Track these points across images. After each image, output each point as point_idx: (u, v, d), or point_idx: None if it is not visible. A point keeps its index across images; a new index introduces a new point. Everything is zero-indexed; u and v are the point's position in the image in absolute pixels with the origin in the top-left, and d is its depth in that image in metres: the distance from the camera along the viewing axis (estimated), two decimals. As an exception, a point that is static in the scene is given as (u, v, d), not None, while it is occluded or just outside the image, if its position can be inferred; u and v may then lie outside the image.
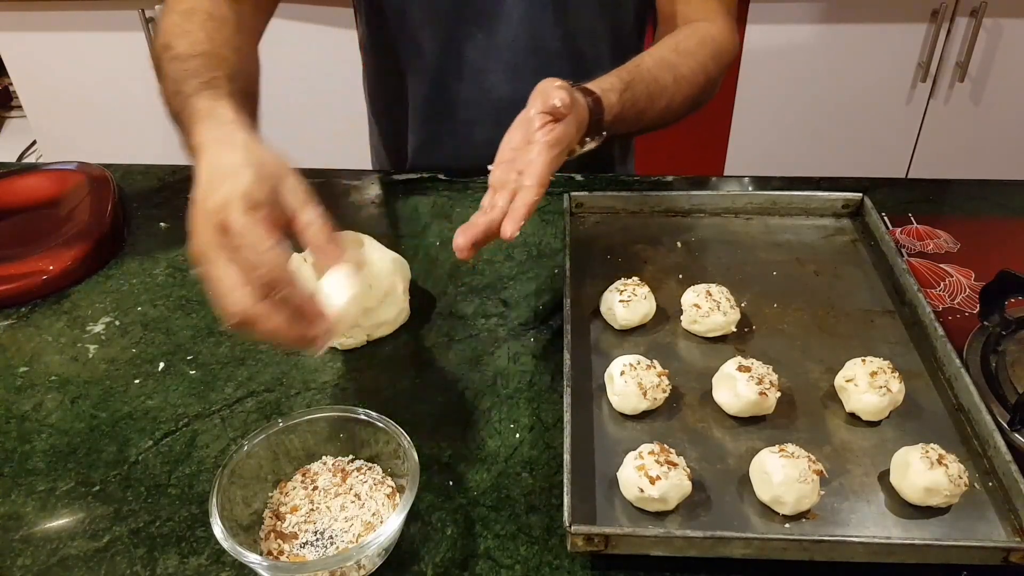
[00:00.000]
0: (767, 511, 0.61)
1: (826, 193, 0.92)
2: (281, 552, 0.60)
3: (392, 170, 1.11)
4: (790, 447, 0.61)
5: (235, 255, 0.55)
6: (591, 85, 0.79)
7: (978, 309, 0.80)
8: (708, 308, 0.75)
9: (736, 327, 0.76)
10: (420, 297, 0.84)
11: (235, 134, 0.63)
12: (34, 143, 2.30)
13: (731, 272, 0.84)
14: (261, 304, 0.54)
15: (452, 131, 1.07)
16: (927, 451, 0.60)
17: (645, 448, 0.61)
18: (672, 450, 0.62)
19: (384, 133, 1.17)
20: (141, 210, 1.01)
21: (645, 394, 0.67)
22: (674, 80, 0.88)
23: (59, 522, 0.64)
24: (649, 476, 0.59)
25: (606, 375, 0.70)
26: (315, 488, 0.64)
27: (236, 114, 0.65)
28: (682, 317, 0.77)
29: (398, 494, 0.63)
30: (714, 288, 0.77)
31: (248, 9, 0.84)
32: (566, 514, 0.57)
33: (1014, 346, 0.74)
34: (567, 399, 0.66)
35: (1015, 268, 0.77)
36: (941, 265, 0.88)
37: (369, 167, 1.24)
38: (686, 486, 0.60)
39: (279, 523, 0.62)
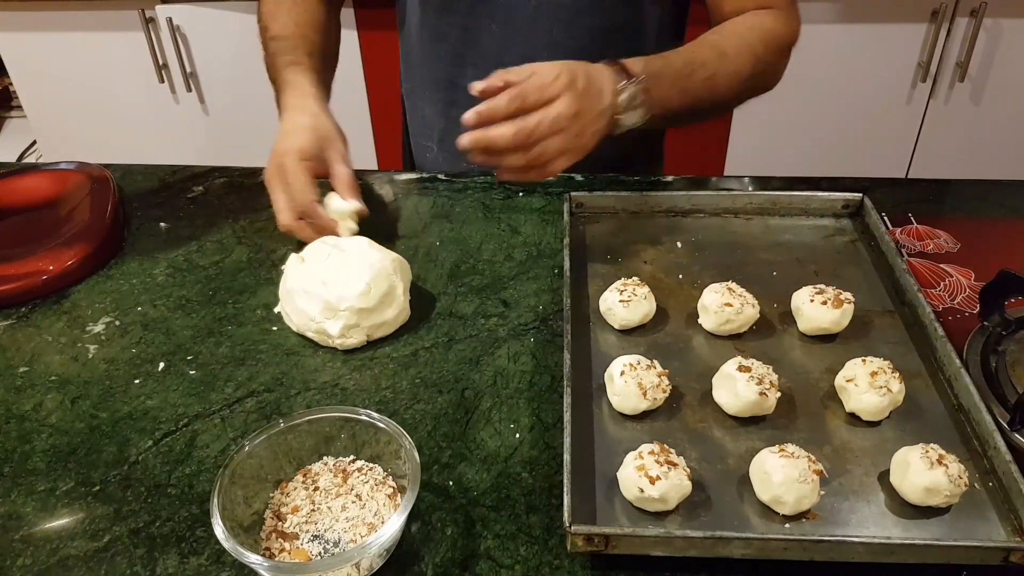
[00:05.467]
0: (767, 511, 0.61)
1: (826, 193, 0.92)
2: (282, 552, 0.60)
3: (400, 169, 1.13)
4: (790, 447, 0.61)
5: (286, 188, 0.87)
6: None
7: (978, 309, 0.80)
8: (739, 305, 0.75)
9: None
10: (420, 297, 0.84)
11: (310, 104, 0.92)
12: (34, 143, 2.30)
13: (731, 272, 0.84)
14: (296, 222, 0.87)
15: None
16: (927, 451, 0.60)
17: (645, 448, 0.61)
18: (672, 450, 0.62)
19: (414, 125, 1.18)
20: (141, 210, 1.01)
21: (645, 394, 0.67)
22: (717, 55, 0.89)
23: (59, 522, 0.64)
24: (649, 476, 0.59)
25: (606, 375, 0.70)
26: (316, 488, 0.64)
27: (315, 88, 0.93)
28: (704, 319, 0.77)
29: (399, 494, 0.63)
30: (732, 285, 0.77)
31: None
32: (566, 514, 0.57)
33: (1014, 346, 0.74)
34: (567, 399, 0.66)
35: (1015, 268, 0.77)
36: (941, 265, 0.88)
37: (369, 167, 1.24)
38: (686, 486, 0.60)
39: (280, 523, 0.62)
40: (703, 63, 0.88)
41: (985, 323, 0.77)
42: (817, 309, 0.74)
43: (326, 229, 0.86)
